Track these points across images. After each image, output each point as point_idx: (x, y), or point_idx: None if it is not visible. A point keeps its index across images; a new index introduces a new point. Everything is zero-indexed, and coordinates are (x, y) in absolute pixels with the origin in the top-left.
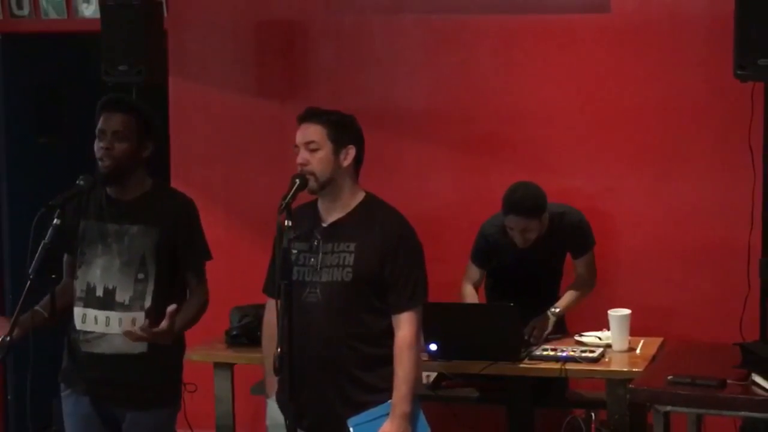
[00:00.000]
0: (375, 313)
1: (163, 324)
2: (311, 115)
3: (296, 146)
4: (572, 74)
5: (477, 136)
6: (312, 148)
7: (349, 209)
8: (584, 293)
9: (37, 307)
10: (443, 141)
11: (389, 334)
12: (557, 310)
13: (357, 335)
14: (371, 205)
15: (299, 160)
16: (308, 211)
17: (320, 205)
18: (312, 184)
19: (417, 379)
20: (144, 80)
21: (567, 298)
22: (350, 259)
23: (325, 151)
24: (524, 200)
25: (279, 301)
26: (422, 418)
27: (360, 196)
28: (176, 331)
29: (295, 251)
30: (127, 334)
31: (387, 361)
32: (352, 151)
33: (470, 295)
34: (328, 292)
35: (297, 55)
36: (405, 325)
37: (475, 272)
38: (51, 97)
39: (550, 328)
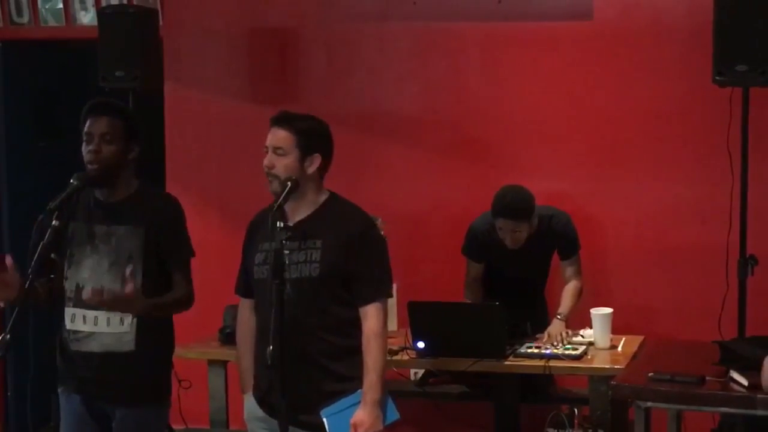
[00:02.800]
0: (343, 306)
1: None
2: (283, 120)
3: (266, 147)
4: (556, 80)
5: (463, 140)
6: (279, 153)
7: (314, 208)
8: (579, 297)
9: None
10: (430, 145)
11: (357, 325)
12: (563, 315)
13: (326, 327)
14: (335, 203)
15: (265, 162)
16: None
17: (286, 205)
18: (275, 186)
19: (385, 366)
20: (140, 86)
21: (567, 302)
22: (317, 255)
23: (291, 158)
24: (514, 203)
25: (255, 300)
26: (391, 404)
27: (324, 196)
28: (141, 306)
29: (262, 251)
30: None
31: (355, 351)
32: (317, 160)
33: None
34: (297, 287)
35: (289, 62)
36: (372, 316)
37: (474, 268)
38: (50, 102)
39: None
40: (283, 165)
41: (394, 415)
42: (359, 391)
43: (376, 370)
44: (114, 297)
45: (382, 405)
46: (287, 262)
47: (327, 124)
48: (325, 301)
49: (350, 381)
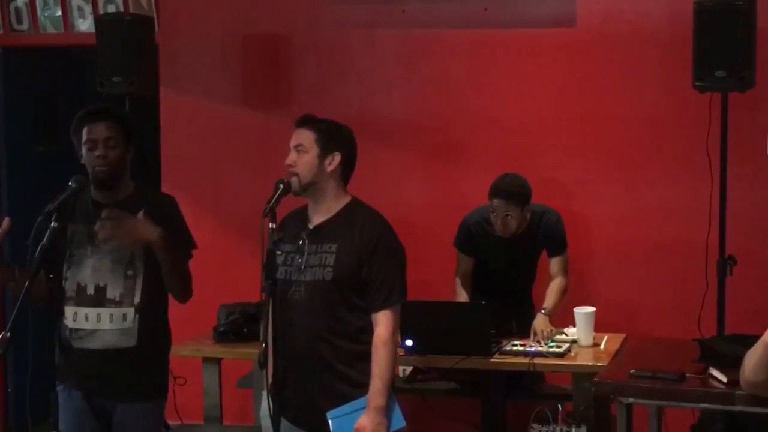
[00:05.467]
0: (355, 311)
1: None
2: (305, 121)
3: (290, 148)
4: (540, 86)
5: (450, 144)
6: (300, 150)
7: (333, 212)
8: (564, 294)
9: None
10: (418, 148)
11: (369, 331)
12: (547, 310)
13: (336, 331)
14: (355, 208)
15: (287, 160)
16: (300, 215)
17: (309, 208)
18: (295, 185)
19: (392, 374)
20: (136, 91)
21: (552, 298)
22: (331, 259)
23: (311, 155)
24: (510, 186)
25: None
26: (398, 412)
27: (345, 200)
28: (157, 237)
29: (283, 252)
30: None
31: (366, 357)
32: (337, 158)
33: (462, 297)
34: (310, 291)
35: (281, 68)
36: (381, 323)
37: (464, 261)
38: (48, 107)
39: (550, 326)
40: (303, 162)
41: (400, 422)
42: (366, 396)
43: (381, 378)
44: (128, 223)
45: (387, 412)
46: (303, 265)
47: (350, 129)
48: (336, 306)
49: (362, 387)
